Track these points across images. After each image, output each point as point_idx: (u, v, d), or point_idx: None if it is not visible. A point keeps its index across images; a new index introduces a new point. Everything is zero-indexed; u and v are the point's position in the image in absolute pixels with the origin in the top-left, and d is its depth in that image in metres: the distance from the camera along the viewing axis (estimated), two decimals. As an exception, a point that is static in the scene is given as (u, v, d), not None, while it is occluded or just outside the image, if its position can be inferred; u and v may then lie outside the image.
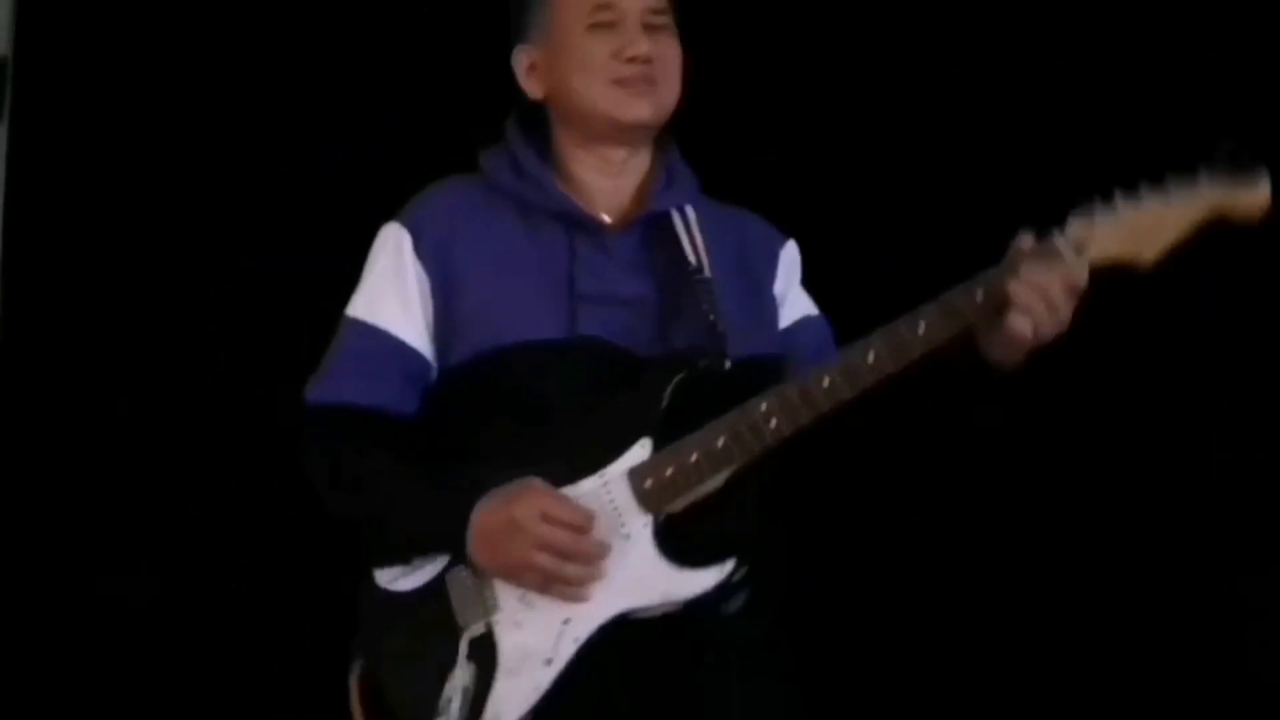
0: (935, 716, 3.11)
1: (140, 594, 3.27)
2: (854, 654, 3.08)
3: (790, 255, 2.28)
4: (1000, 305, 1.98)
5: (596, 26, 2.16)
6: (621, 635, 2.01)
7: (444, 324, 2.15)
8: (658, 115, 2.19)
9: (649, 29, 2.17)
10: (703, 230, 2.21)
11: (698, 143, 2.28)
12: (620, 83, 2.16)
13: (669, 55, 2.19)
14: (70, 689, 3.26)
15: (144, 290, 3.34)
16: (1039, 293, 1.96)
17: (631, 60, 2.15)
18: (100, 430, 3.33)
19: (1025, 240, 2.00)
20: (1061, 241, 1.98)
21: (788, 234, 2.30)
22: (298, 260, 3.27)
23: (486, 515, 2.01)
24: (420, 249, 2.17)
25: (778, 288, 2.25)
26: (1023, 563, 3.06)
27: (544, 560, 1.98)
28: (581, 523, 2.00)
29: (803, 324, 2.24)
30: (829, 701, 2.53)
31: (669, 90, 2.19)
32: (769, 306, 2.23)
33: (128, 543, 3.30)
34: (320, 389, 2.19)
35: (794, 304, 2.26)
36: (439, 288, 2.15)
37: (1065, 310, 1.98)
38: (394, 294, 2.17)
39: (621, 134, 2.19)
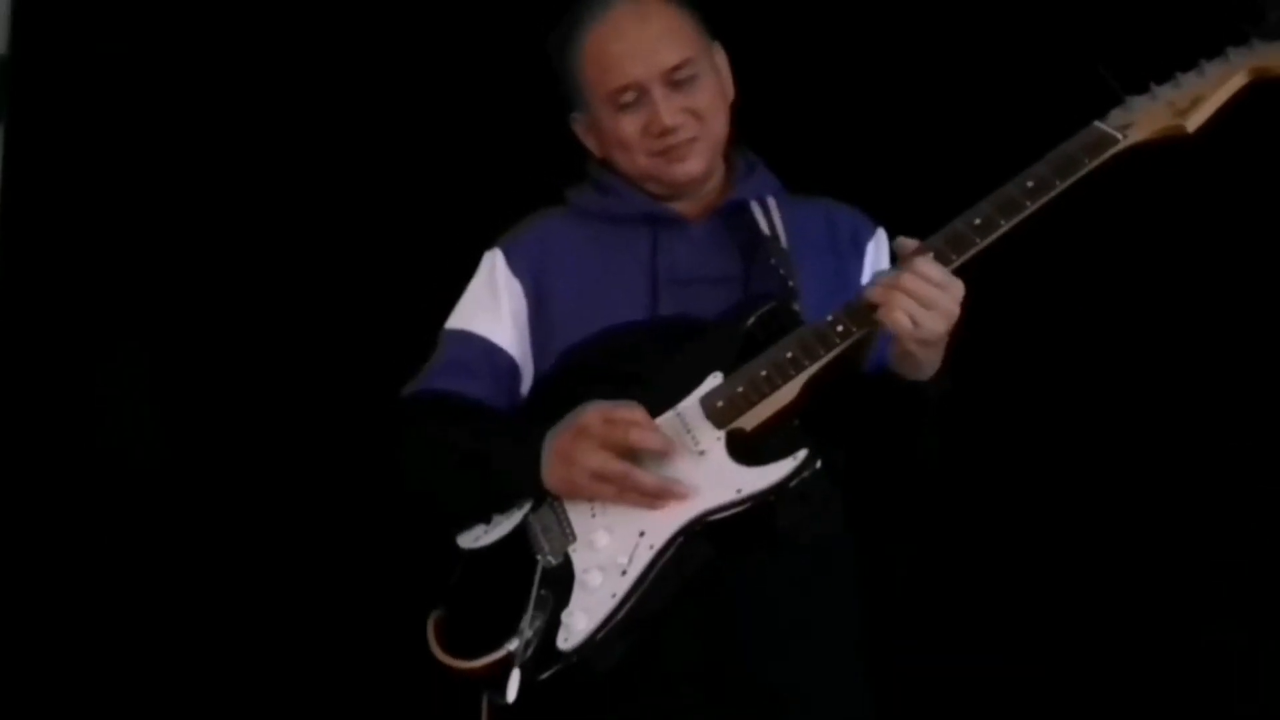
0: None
1: (136, 593, 3.26)
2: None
3: (878, 244, 2.34)
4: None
5: (624, 107, 2.26)
6: (695, 541, 2.07)
7: (538, 326, 2.28)
8: (707, 162, 2.29)
9: (674, 86, 2.25)
10: (783, 215, 2.30)
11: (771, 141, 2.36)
12: (658, 154, 2.26)
13: (701, 104, 2.27)
14: (71, 689, 3.24)
15: (142, 290, 3.33)
16: (900, 290, 2.01)
17: (662, 133, 2.25)
18: (96, 429, 3.32)
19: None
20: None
21: (877, 221, 2.36)
22: (296, 260, 3.26)
23: (555, 439, 2.11)
24: (512, 262, 2.31)
25: (864, 278, 2.30)
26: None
27: (614, 465, 2.05)
28: (641, 419, 2.08)
29: None
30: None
31: (710, 134, 2.28)
32: (851, 289, 2.26)
33: (126, 543, 3.28)
34: (411, 385, 2.31)
35: None
36: (531, 292, 2.28)
37: (938, 297, 2.01)
38: (486, 304, 2.31)
39: (677, 189, 2.30)
